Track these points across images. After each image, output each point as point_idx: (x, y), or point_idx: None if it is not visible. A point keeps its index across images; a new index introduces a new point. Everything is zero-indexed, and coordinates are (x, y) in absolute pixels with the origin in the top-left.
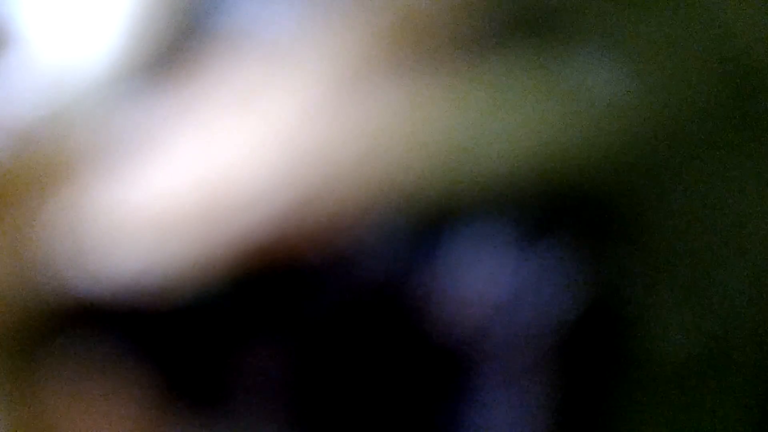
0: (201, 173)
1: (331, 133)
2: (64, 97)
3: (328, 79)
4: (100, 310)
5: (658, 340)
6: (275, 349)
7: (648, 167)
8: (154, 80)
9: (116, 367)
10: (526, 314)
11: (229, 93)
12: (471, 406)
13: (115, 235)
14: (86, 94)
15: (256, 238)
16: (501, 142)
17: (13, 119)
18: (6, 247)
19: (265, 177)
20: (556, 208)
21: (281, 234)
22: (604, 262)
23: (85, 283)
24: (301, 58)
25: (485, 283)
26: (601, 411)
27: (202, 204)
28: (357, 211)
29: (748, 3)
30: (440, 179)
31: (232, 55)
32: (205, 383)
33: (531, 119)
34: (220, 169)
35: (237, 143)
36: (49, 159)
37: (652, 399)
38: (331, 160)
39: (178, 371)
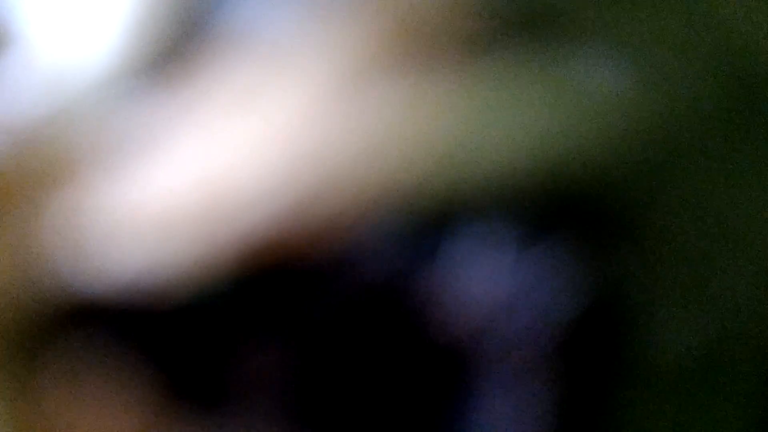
0: (202, 173)
1: (332, 133)
2: (65, 97)
3: (328, 80)
4: (100, 310)
5: (659, 339)
6: (276, 349)
7: (648, 167)
8: (155, 80)
9: (117, 366)
10: (527, 314)
11: (229, 93)
12: (472, 406)
13: (116, 234)
14: (87, 94)
15: (256, 237)
16: (502, 142)
17: (13, 119)
18: (6, 246)
19: (266, 177)
20: (557, 208)
21: (282, 234)
22: (604, 262)
23: (86, 283)
24: (302, 58)
25: (486, 283)
26: (601, 410)
27: (203, 204)
28: (358, 211)
29: (751, 3)
30: (441, 179)
31: (233, 55)
32: (207, 383)
33: (532, 119)
34: (221, 169)
35: (238, 143)
36: (49, 159)
37: (653, 399)
38: (331, 160)
39: (179, 371)
